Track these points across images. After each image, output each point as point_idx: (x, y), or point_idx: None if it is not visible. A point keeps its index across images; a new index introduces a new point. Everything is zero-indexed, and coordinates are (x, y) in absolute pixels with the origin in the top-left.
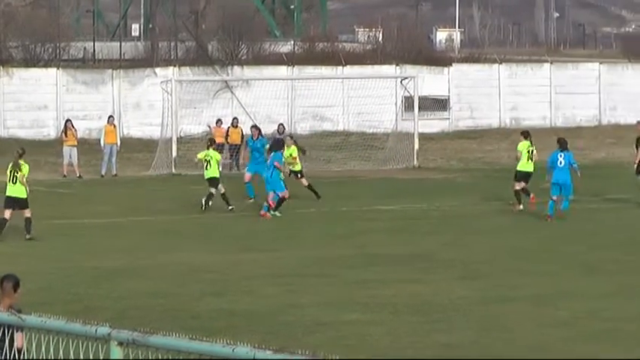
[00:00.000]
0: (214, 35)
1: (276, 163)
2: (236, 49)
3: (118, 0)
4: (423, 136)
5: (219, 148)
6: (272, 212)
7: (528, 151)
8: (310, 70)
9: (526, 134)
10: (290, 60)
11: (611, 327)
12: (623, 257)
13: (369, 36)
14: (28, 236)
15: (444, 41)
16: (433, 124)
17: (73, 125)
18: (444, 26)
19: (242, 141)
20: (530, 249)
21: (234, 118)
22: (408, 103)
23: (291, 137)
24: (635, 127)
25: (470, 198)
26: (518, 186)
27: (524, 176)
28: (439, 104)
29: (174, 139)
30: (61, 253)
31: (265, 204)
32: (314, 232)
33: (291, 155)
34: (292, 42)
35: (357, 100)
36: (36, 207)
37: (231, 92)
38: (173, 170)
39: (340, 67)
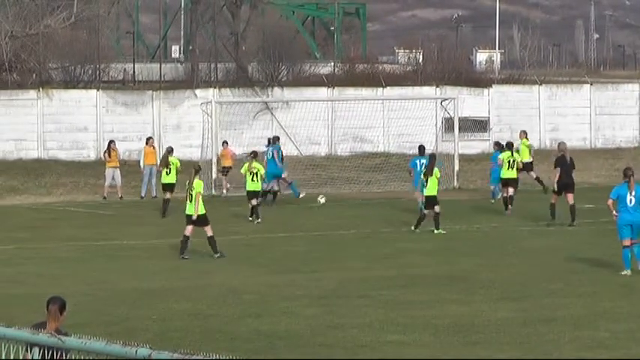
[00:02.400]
0: (254, 57)
1: None
2: (276, 70)
3: (158, 21)
4: (464, 158)
5: (225, 170)
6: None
7: (509, 161)
8: (350, 92)
9: (509, 145)
10: (330, 81)
11: None
12: None
13: (409, 57)
14: (216, 255)
15: (484, 62)
16: (473, 145)
17: (115, 146)
18: (484, 47)
19: (282, 162)
20: (569, 270)
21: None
22: (449, 125)
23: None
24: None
25: (510, 219)
26: (505, 193)
27: (507, 183)
28: (479, 125)
29: (214, 160)
30: (101, 275)
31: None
32: (354, 253)
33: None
34: (332, 63)
35: (397, 121)
36: (76, 228)
37: (271, 114)
38: (213, 192)
39: (380, 89)
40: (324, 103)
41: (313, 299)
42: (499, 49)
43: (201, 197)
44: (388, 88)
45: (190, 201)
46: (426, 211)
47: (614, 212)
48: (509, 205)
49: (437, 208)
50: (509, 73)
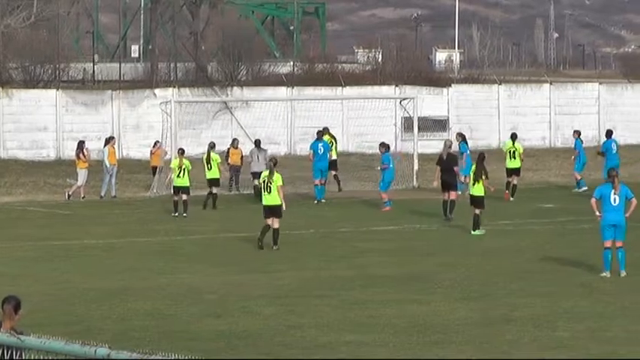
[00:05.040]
0: (214, 56)
1: None
2: (235, 70)
3: (117, 21)
4: (423, 157)
5: (155, 170)
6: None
7: (509, 151)
8: (310, 91)
9: (512, 136)
10: (289, 81)
11: (613, 349)
12: (622, 278)
13: (368, 57)
14: (275, 247)
15: (443, 62)
16: (433, 144)
17: (85, 146)
18: (444, 47)
19: (242, 162)
20: (529, 269)
21: (235, 139)
22: (408, 124)
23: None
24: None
25: (470, 219)
26: (509, 180)
27: (509, 172)
28: (439, 125)
29: (173, 157)
30: (60, 275)
31: None
32: (313, 252)
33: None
34: (292, 63)
35: (356, 120)
36: (36, 228)
37: (231, 113)
38: (172, 191)
39: (340, 88)
40: (284, 102)
41: (273, 299)
42: (458, 48)
43: (282, 190)
44: (347, 87)
45: (269, 192)
46: (477, 211)
47: (597, 212)
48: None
49: (477, 211)
50: (469, 73)
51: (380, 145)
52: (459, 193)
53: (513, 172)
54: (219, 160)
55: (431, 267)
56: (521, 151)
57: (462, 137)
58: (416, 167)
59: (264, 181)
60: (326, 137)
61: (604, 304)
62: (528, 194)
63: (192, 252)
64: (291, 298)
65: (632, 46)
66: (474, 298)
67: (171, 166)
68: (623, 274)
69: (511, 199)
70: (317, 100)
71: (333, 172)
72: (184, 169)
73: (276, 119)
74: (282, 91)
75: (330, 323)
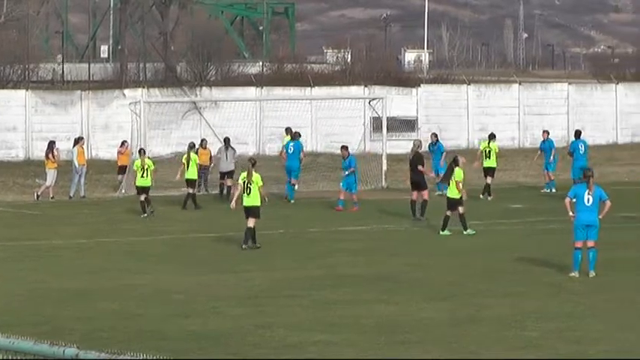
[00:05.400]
0: (183, 56)
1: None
2: (205, 70)
3: (87, 21)
4: (392, 157)
5: (122, 170)
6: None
7: (485, 151)
8: (279, 91)
9: (489, 136)
10: (258, 81)
11: (581, 349)
12: (591, 278)
13: (337, 57)
14: (244, 246)
15: (412, 62)
16: (402, 144)
17: (56, 146)
18: (413, 47)
19: (211, 162)
20: (497, 269)
21: (203, 140)
22: (377, 124)
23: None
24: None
25: (438, 219)
26: (487, 180)
27: (485, 171)
28: (407, 125)
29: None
30: (28, 275)
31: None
32: (282, 253)
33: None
34: (261, 63)
35: (325, 120)
36: (4, 228)
37: (200, 113)
38: (137, 192)
39: (309, 88)
40: (253, 102)
41: (242, 299)
42: (428, 48)
43: (261, 190)
44: (316, 87)
45: (248, 194)
46: (448, 213)
47: (570, 213)
48: (489, 192)
49: (448, 212)
50: (438, 73)
51: (343, 148)
52: (441, 193)
53: (487, 171)
54: (197, 161)
55: (399, 267)
56: (497, 150)
57: (436, 137)
58: (384, 167)
59: (243, 182)
60: (287, 137)
61: (573, 304)
62: (498, 194)
63: (161, 252)
64: (261, 298)
65: (602, 47)
66: (442, 298)
67: (134, 167)
68: (592, 274)
69: (480, 197)
70: (286, 100)
71: None
72: (147, 169)
73: (245, 119)
74: (251, 92)
75: (300, 323)
